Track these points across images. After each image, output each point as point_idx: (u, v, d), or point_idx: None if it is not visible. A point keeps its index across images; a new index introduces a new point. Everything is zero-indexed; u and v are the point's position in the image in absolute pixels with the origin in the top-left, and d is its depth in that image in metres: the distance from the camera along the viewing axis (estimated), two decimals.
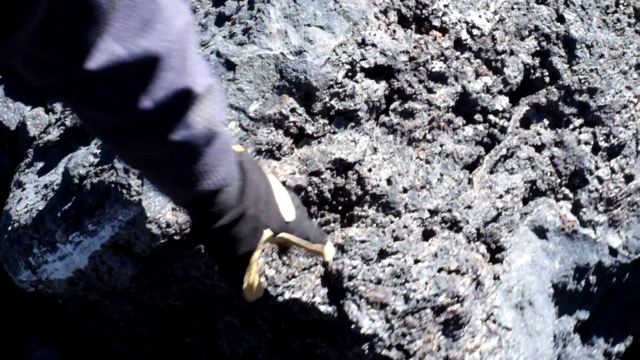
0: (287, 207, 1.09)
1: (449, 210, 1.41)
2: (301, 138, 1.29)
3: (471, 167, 1.46)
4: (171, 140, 0.90)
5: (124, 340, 1.52)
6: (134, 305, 1.40)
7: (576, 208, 1.60)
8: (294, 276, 1.29)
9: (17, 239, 1.36)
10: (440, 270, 1.39)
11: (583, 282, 1.63)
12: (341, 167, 1.31)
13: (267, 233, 1.05)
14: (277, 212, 1.07)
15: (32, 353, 1.70)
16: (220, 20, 1.34)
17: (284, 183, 1.25)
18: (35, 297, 1.63)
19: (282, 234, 1.08)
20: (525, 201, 1.55)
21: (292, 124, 1.27)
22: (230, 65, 1.25)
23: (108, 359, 1.62)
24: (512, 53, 1.46)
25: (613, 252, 1.64)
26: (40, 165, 1.50)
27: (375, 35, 1.31)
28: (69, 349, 1.70)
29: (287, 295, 1.29)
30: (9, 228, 1.38)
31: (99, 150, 1.33)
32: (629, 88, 1.58)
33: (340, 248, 1.32)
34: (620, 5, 1.56)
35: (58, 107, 1.68)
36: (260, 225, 1.04)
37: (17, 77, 1.75)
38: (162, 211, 1.21)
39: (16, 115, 1.76)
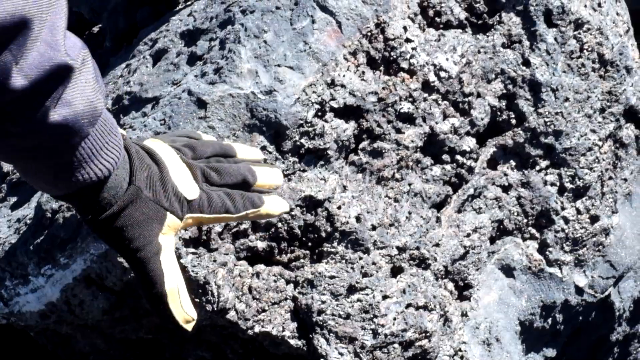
0: (188, 185, 0.97)
1: (417, 248, 1.43)
2: None
3: (439, 206, 1.49)
4: (51, 121, 0.79)
5: None
6: (105, 339, 1.41)
7: (542, 247, 1.63)
8: (264, 310, 1.31)
9: None
10: (408, 306, 1.41)
11: (550, 320, 1.65)
12: (311, 204, 1.34)
13: (171, 218, 0.94)
14: (176, 192, 0.95)
15: None
16: (192, 59, 1.37)
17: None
18: (7, 330, 1.64)
19: (189, 215, 0.96)
20: (492, 240, 1.57)
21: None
22: (201, 104, 1.28)
23: None
24: (479, 95, 1.50)
25: (579, 291, 1.67)
26: (13, 199, 1.52)
27: (344, 76, 1.34)
28: None
29: (257, 329, 1.31)
30: None
31: None
32: (593, 131, 1.62)
33: (310, 283, 1.34)
34: (585, 51, 1.60)
35: None
36: (162, 208, 0.93)
37: None
38: None
39: None
